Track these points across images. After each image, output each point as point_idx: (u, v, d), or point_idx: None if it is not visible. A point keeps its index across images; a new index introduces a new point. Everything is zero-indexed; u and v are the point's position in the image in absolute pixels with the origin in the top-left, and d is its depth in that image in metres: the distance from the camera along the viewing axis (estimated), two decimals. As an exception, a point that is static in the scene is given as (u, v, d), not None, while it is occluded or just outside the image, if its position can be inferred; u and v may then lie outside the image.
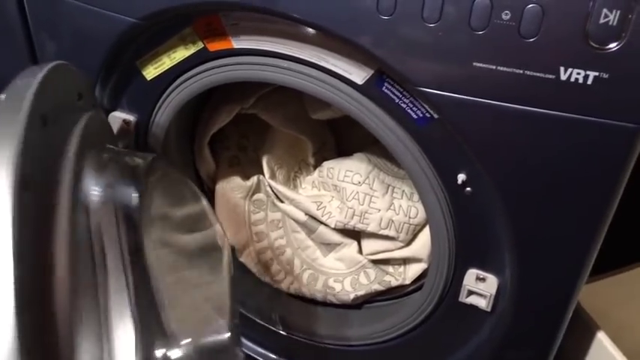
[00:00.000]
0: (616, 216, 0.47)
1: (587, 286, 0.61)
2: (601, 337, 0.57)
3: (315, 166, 0.75)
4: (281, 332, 0.75)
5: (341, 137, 0.79)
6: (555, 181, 0.46)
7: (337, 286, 0.72)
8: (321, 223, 0.71)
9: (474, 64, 0.43)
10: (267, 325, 0.76)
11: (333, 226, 0.69)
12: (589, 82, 0.40)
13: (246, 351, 0.78)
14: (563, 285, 0.51)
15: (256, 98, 0.67)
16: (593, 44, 0.39)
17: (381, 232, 0.67)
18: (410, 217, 0.66)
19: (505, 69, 0.42)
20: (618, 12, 0.38)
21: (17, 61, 0.64)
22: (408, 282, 0.69)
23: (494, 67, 0.42)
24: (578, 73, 0.40)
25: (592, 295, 0.60)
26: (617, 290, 0.63)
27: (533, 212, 0.48)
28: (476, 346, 0.59)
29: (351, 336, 0.70)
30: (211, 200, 0.76)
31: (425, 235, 0.67)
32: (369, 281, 0.70)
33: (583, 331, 0.58)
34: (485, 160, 0.47)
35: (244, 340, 0.77)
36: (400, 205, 0.67)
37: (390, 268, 0.71)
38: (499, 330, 0.56)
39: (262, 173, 0.74)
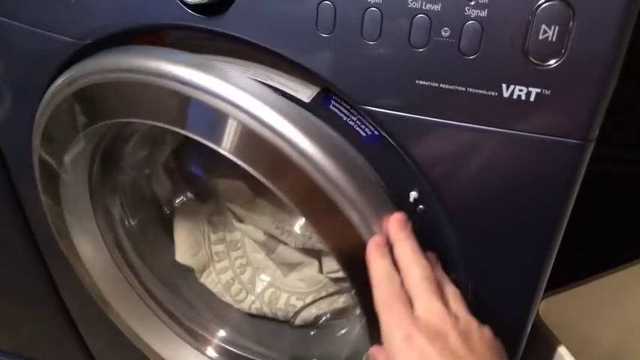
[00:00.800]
0: (570, 228, 0.47)
1: (547, 299, 0.60)
2: (562, 351, 0.56)
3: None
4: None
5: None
6: (504, 197, 0.45)
7: (299, 304, 0.71)
8: (281, 242, 0.70)
9: (417, 81, 0.42)
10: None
11: (293, 245, 0.68)
12: (532, 98, 0.40)
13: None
14: (520, 301, 0.51)
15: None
16: (534, 60, 0.39)
17: (341, 249, 0.66)
18: (369, 234, 0.65)
19: (448, 86, 0.41)
20: (557, 28, 0.37)
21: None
22: (370, 300, 0.68)
23: (436, 85, 0.41)
24: (521, 90, 0.40)
25: (552, 308, 0.59)
26: (578, 303, 0.62)
27: (484, 229, 0.47)
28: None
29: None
30: (169, 222, 0.74)
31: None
32: (331, 300, 0.69)
33: (544, 346, 0.57)
34: (432, 177, 0.46)
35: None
36: (360, 222, 0.66)
37: (353, 286, 0.69)
38: (459, 348, 0.55)
39: (221, 192, 0.72)
